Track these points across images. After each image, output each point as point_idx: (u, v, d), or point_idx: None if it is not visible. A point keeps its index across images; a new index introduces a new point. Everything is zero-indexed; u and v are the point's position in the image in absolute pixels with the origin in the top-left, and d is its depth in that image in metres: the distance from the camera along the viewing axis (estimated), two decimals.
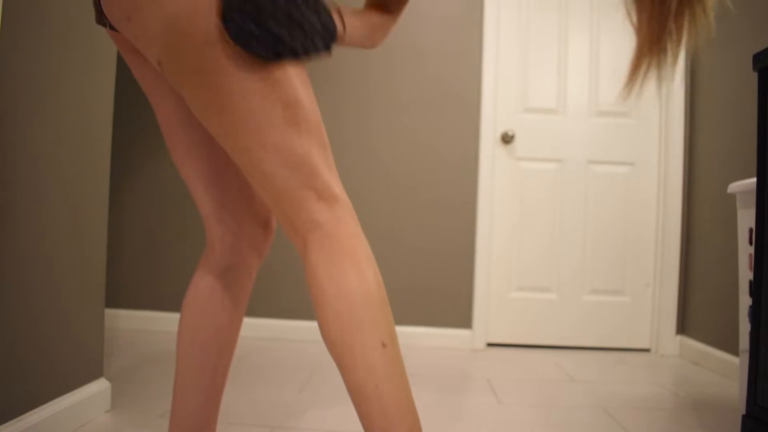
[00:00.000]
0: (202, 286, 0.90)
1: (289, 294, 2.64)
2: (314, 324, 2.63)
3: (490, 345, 2.65)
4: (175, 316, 2.69)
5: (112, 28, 0.80)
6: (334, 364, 2.14)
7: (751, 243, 1.47)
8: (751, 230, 1.48)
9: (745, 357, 1.49)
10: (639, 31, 0.71)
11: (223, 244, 0.90)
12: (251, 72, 0.67)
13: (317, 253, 0.69)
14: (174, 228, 2.72)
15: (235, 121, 0.68)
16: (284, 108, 0.69)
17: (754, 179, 1.45)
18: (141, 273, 2.72)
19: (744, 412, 1.26)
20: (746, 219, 1.50)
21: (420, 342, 2.58)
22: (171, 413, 0.92)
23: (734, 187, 1.54)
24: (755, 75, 2.04)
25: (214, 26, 0.66)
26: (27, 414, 1.16)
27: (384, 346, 0.66)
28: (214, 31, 0.66)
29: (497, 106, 2.65)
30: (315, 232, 0.70)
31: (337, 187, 0.72)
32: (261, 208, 0.91)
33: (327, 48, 0.71)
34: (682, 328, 2.59)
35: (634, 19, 0.71)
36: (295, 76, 0.70)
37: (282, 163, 0.69)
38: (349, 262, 0.68)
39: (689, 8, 0.67)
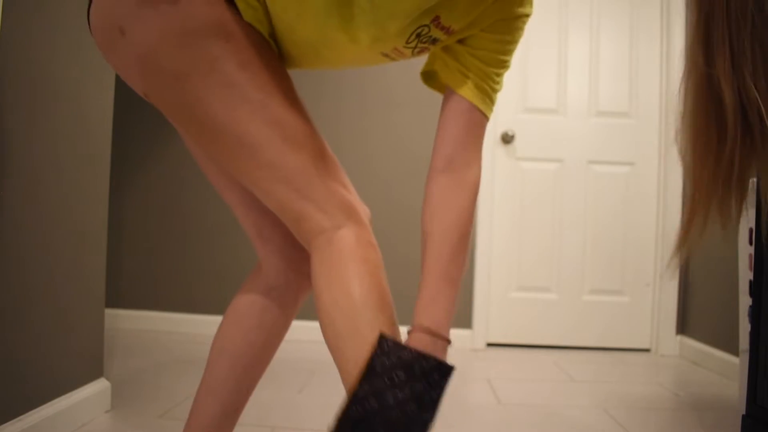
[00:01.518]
0: (245, 299, 0.90)
1: None
2: (314, 324, 2.63)
3: (490, 345, 2.65)
4: (175, 316, 2.69)
5: None
6: (334, 364, 2.14)
7: (751, 243, 1.47)
8: (751, 230, 1.48)
9: (745, 357, 1.49)
10: (698, 178, 0.58)
11: (269, 264, 0.89)
12: (233, 100, 0.68)
13: (318, 262, 0.70)
14: (174, 228, 2.71)
15: (227, 147, 0.70)
16: (271, 127, 0.69)
17: (754, 179, 1.45)
18: (141, 273, 2.72)
19: (744, 412, 1.26)
20: (746, 219, 1.50)
21: None
22: (189, 414, 0.91)
23: None
24: None
25: (181, 59, 0.67)
26: (27, 414, 1.16)
27: None
28: (182, 63, 0.67)
29: (497, 106, 2.65)
30: (317, 240, 0.71)
31: (338, 195, 0.72)
32: None
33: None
34: (682, 328, 2.59)
35: (689, 159, 0.58)
36: (279, 94, 0.70)
37: (278, 180, 0.70)
38: (346, 269, 0.68)
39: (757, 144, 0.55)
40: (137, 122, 2.74)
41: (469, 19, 0.74)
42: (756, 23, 0.50)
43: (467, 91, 0.78)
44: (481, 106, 0.79)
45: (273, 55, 0.73)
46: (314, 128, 0.74)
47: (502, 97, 2.65)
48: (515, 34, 0.78)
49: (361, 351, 0.66)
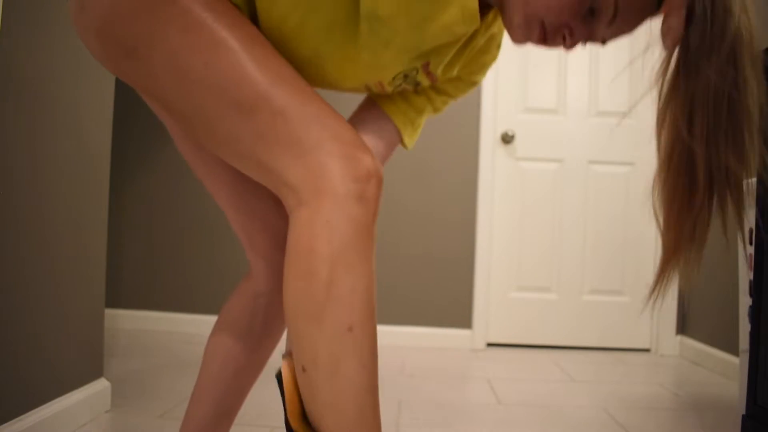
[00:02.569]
0: (236, 303, 0.90)
1: None
2: None
3: (490, 345, 2.65)
4: (175, 316, 2.69)
5: None
6: None
7: (751, 243, 1.47)
8: (751, 230, 1.48)
9: (745, 357, 1.49)
10: (667, 232, 0.67)
11: (257, 270, 0.88)
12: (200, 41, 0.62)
13: (291, 225, 0.62)
14: (174, 228, 2.72)
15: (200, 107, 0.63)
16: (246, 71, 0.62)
17: (754, 179, 1.45)
18: (141, 273, 2.72)
19: (744, 412, 1.26)
20: (746, 219, 1.49)
21: (420, 342, 2.58)
22: (184, 416, 0.92)
23: None
24: None
25: (130, 34, 0.63)
26: (27, 414, 1.16)
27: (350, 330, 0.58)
28: (130, 38, 0.63)
29: (497, 106, 2.65)
30: (290, 199, 0.62)
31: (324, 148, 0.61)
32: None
33: None
34: (682, 328, 2.59)
35: (662, 219, 0.68)
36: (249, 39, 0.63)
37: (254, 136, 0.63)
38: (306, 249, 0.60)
39: (721, 208, 0.66)
40: (137, 122, 2.74)
41: (452, 70, 0.77)
42: (731, 104, 0.59)
43: (401, 125, 0.84)
44: (407, 141, 0.86)
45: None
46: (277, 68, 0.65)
47: (502, 97, 2.65)
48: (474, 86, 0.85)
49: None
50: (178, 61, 0.62)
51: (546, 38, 0.66)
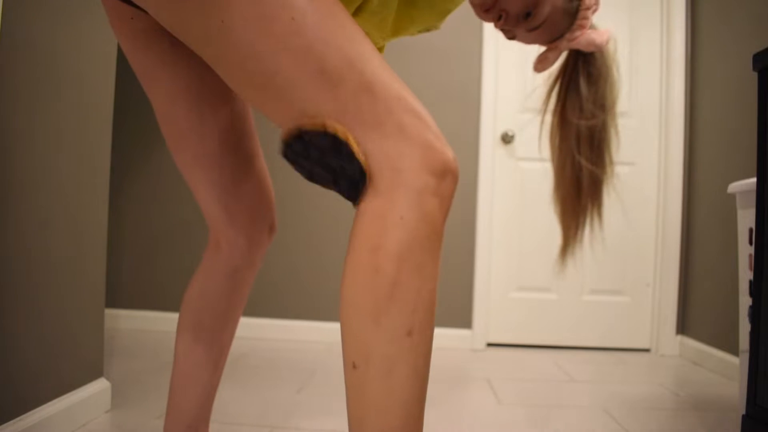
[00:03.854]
0: (211, 285, 0.90)
1: (289, 294, 2.64)
2: (314, 324, 2.63)
3: (490, 345, 2.65)
4: (175, 316, 2.69)
5: None
6: (333, 364, 2.14)
7: (751, 243, 1.47)
8: (751, 230, 1.48)
9: (745, 357, 1.49)
10: (563, 221, 0.97)
11: (234, 247, 0.89)
12: None
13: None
14: (174, 228, 2.72)
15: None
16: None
17: (754, 179, 1.45)
18: (141, 273, 2.72)
19: (744, 412, 1.26)
20: (746, 219, 1.50)
21: None
22: (169, 409, 0.92)
23: (734, 187, 1.54)
24: (755, 75, 2.04)
25: None
26: (27, 414, 1.16)
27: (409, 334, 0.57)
28: None
29: (497, 106, 2.65)
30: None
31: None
32: (267, 209, 0.92)
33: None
34: (682, 328, 2.59)
35: (558, 213, 0.95)
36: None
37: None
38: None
39: (596, 204, 0.92)
40: (137, 122, 2.74)
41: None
42: (603, 136, 0.87)
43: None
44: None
45: None
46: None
47: (502, 97, 2.65)
48: None
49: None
50: (263, 11, 0.55)
51: (489, 11, 0.82)
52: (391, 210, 0.56)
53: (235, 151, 0.86)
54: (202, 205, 0.89)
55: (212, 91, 0.82)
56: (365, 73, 0.57)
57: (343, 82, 0.56)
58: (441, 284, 2.61)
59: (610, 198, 0.92)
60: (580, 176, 0.87)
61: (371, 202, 0.57)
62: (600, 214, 0.93)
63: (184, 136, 0.83)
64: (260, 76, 0.57)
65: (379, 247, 0.56)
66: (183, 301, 0.93)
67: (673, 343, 2.58)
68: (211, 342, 0.91)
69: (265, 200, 0.91)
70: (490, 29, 2.60)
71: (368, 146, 0.57)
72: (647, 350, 2.65)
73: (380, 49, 0.92)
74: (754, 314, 1.21)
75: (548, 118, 0.91)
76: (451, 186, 0.59)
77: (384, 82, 0.58)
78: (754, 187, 1.44)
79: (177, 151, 0.85)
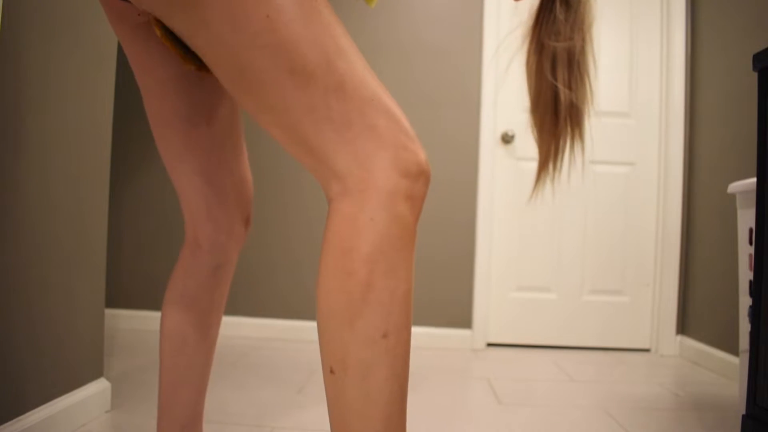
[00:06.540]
0: (192, 284, 0.89)
1: (289, 294, 2.64)
2: (314, 324, 2.63)
3: (490, 345, 2.65)
4: None
5: None
6: None
7: (751, 243, 1.47)
8: (751, 230, 1.48)
9: (745, 357, 1.49)
10: (540, 148, 0.88)
11: (214, 243, 0.88)
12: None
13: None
14: (174, 228, 2.72)
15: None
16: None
17: (754, 179, 1.45)
18: (141, 273, 2.72)
19: (744, 412, 1.26)
20: (746, 219, 1.50)
21: (420, 342, 2.58)
22: (160, 410, 0.91)
23: (734, 187, 1.54)
24: (755, 75, 2.04)
25: None
26: (27, 414, 1.16)
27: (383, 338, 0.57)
28: None
29: (497, 106, 2.65)
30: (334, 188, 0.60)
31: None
32: (246, 204, 0.92)
33: None
34: (682, 328, 2.59)
35: (536, 139, 0.88)
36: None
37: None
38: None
39: (576, 128, 0.89)
40: (137, 122, 2.74)
41: None
42: (581, 60, 0.89)
43: None
44: None
45: None
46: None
47: (502, 97, 2.66)
48: None
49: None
50: (238, 9, 0.56)
51: None
52: (362, 211, 0.56)
53: (223, 143, 0.86)
54: (184, 201, 0.87)
55: (205, 80, 0.83)
56: (337, 72, 0.57)
57: (314, 80, 0.56)
58: (441, 284, 2.61)
59: (589, 121, 0.92)
60: (557, 99, 0.87)
61: (341, 202, 0.57)
62: (581, 138, 0.89)
63: (176, 118, 0.82)
64: (233, 70, 0.58)
65: (350, 249, 0.55)
66: (164, 303, 0.90)
67: (672, 343, 2.58)
68: (200, 340, 0.91)
69: (246, 194, 0.91)
70: (490, 29, 2.60)
71: (338, 148, 0.57)
72: (647, 350, 2.65)
73: (370, 2, 0.88)
74: (754, 314, 1.21)
75: (525, 43, 0.90)
76: (423, 188, 0.59)
77: (357, 82, 0.58)
78: (754, 187, 1.44)
79: (165, 142, 0.84)
